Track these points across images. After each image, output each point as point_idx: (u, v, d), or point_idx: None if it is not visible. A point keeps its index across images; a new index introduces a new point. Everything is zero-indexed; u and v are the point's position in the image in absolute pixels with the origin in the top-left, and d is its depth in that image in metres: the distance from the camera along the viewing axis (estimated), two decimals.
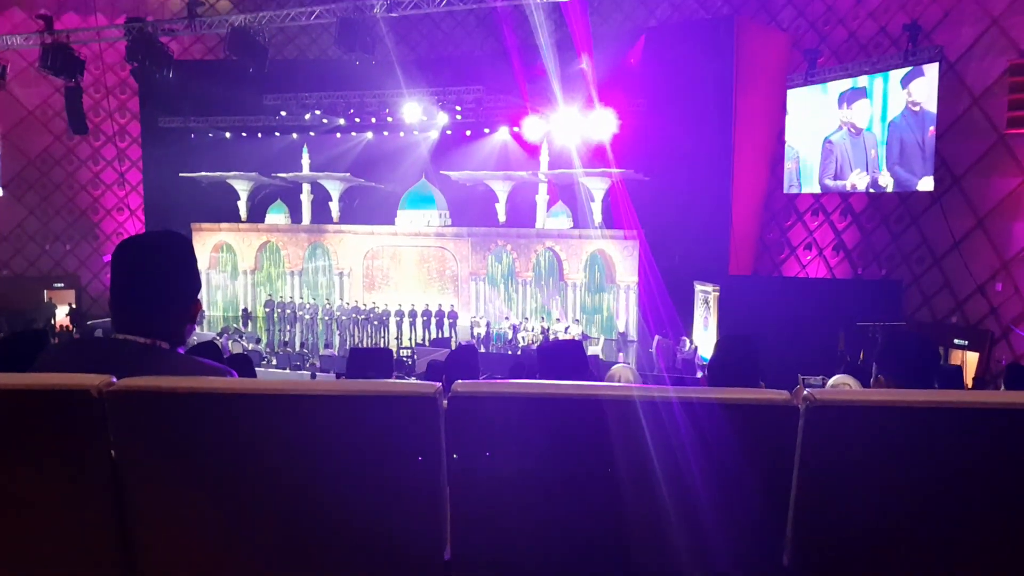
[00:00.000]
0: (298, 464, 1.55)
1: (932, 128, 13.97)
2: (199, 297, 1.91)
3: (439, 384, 1.53)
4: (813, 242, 18.16)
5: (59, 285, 23.82)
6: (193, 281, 1.87)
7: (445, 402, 1.51)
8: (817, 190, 16.93)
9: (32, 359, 2.77)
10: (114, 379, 1.54)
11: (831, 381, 3.78)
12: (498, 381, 1.53)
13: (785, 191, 17.71)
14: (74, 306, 23.19)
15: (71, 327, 22.01)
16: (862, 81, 15.50)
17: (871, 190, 15.63)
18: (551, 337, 19.02)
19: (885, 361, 2.62)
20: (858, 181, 15.69)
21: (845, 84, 15.86)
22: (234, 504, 1.55)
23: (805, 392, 1.44)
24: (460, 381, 1.54)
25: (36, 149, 23.23)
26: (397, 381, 1.55)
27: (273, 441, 1.54)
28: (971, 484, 1.40)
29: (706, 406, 1.46)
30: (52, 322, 22.23)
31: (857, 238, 17.17)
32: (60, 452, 1.57)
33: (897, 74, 14.63)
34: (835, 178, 16.30)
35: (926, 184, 14.27)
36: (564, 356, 2.91)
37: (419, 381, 1.57)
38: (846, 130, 15.93)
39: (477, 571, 1.60)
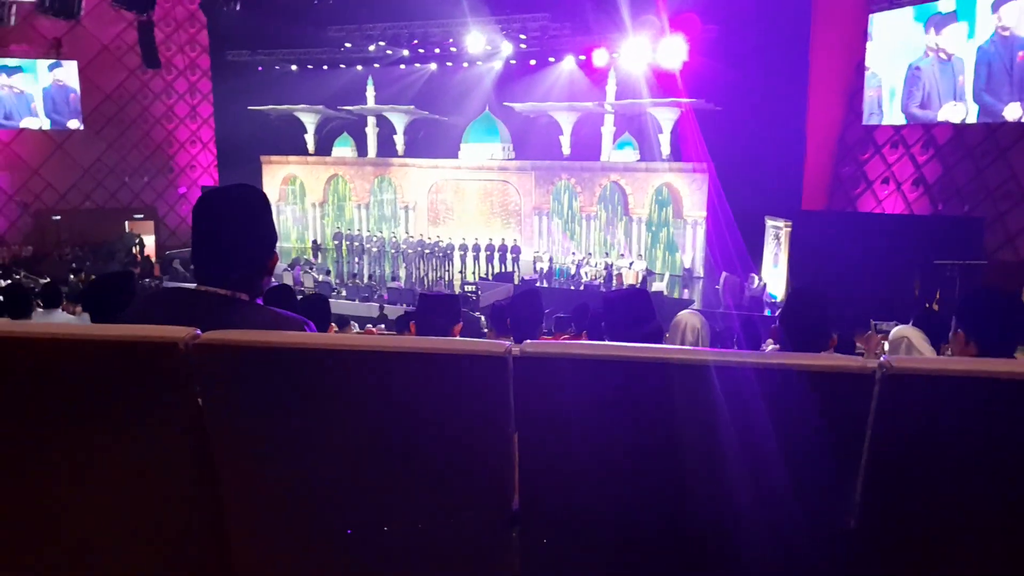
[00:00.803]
0: (372, 417, 1.60)
1: (1021, 53, 13.05)
2: (275, 250, 1.96)
3: (508, 343, 1.55)
4: (891, 176, 17.41)
5: (139, 216, 24.75)
6: (270, 235, 1.92)
7: (512, 358, 1.53)
8: (900, 120, 16.08)
9: (120, 299, 2.92)
10: (199, 332, 1.61)
11: (892, 334, 3.65)
12: (566, 342, 1.55)
13: (864, 121, 16.88)
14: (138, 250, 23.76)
15: (151, 257, 22.93)
16: (950, 4, 14.50)
17: (964, 120, 14.71)
18: (614, 272, 18.93)
19: (966, 316, 2.52)
20: (950, 114, 14.79)
21: (933, 8, 14.86)
22: (312, 455, 1.63)
23: (882, 359, 1.41)
24: (529, 341, 1.56)
25: (112, 84, 23.82)
26: (468, 340, 1.58)
27: (348, 395, 1.60)
28: None
29: (776, 371, 1.44)
30: (133, 252, 23.19)
31: (938, 172, 16.37)
32: (149, 401, 1.66)
33: None
34: (921, 107, 15.44)
35: (1013, 111, 13.40)
36: (630, 305, 2.90)
37: (488, 340, 1.59)
38: (934, 57, 15.01)
39: (543, 521, 1.65)
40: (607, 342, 1.56)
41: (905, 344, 3.25)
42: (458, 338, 2.36)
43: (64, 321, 5.62)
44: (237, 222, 1.86)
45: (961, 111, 14.59)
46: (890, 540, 1.49)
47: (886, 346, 5.22)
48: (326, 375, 1.60)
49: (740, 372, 1.43)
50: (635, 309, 2.89)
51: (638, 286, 17.98)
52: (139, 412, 1.65)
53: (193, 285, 1.90)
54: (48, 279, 15.41)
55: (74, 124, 22.87)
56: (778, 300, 16.04)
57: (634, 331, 2.71)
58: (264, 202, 1.92)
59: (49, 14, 17.22)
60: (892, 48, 15.91)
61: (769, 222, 17.21)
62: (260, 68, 23.41)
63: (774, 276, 16.92)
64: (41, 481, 1.74)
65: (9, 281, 13.64)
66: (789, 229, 16.29)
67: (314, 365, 1.60)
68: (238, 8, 16.59)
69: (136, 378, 1.64)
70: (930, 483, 1.43)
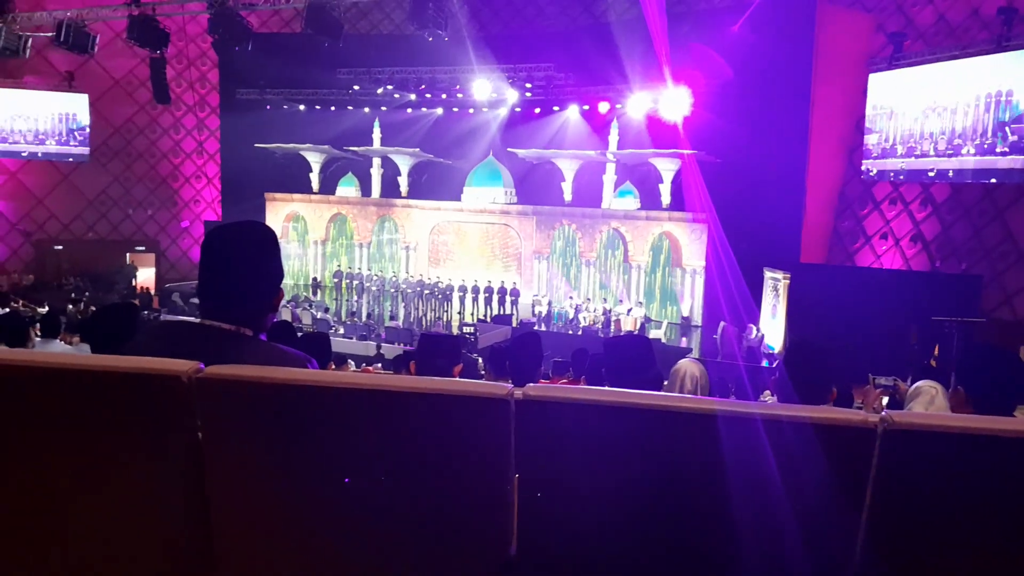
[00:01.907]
0: (372, 456, 1.60)
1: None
2: (281, 287, 1.98)
3: (510, 386, 1.55)
4: (889, 232, 17.54)
5: (140, 249, 24.85)
6: (277, 272, 1.93)
7: (515, 400, 1.54)
8: (900, 165, 15.94)
9: (121, 331, 2.92)
10: (202, 366, 1.62)
11: (915, 385, 3.63)
12: (570, 386, 1.55)
13: (864, 168, 16.87)
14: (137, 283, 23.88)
15: (150, 290, 22.93)
16: (953, 66, 14.73)
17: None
18: (612, 318, 18.94)
19: (965, 373, 2.53)
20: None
21: (933, 69, 15.10)
22: (309, 493, 1.62)
23: (883, 413, 1.41)
24: (532, 384, 1.56)
25: (121, 118, 24.14)
26: (470, 382, 1.58)
27: (348, 433, 1.59)
28: None
29: (780, 423, 1.44)
30: (133, 283, 23.21)
31: (936, 229, 16.50)
32: (150, 433, 1.66)
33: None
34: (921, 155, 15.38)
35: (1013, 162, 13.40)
36: (632, 352, 2.91)
37: (491, 382, 1.59)
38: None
39: (541, 568, 1.63)
40: (610, 388, 1.56)
41: (930, 395, 3.23)
42: (460, 379, 2.36)
43: (62, 351, 5.60)
44: (245, 258, 1.88)
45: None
46: None
47: (884, 400, 5.21)
48: (327, 413, 1.60)
49: (744, 422, 1.43)
50: (636, 356, 2.90)
51: (636, 333, 17.98)
52: (139, 444, 1.64)
53: (196, 319, 1.91)
54: (47, 308, 15.38)
55: (81, 156, 23.09)
56: (775, 351, 16.03)
57: (635, 377, 2.72)
58: (272, 239, 1.94)
59: (64, 47, 17.51)
60: (892, 106, 16.11)
61: (768, 274, 17.28)
62: (268, 107, 23.74)
63: (772, 327, 16.93)
64: (38, 509, 1.72)
65: (7, 310, 13.64)
66: (787, 281, 16.35)
67: (315, 402, 1.60)
68: (249, 48, 16.87)
69: (138, 410, 1.64)
70: (931, 539, 1.42)
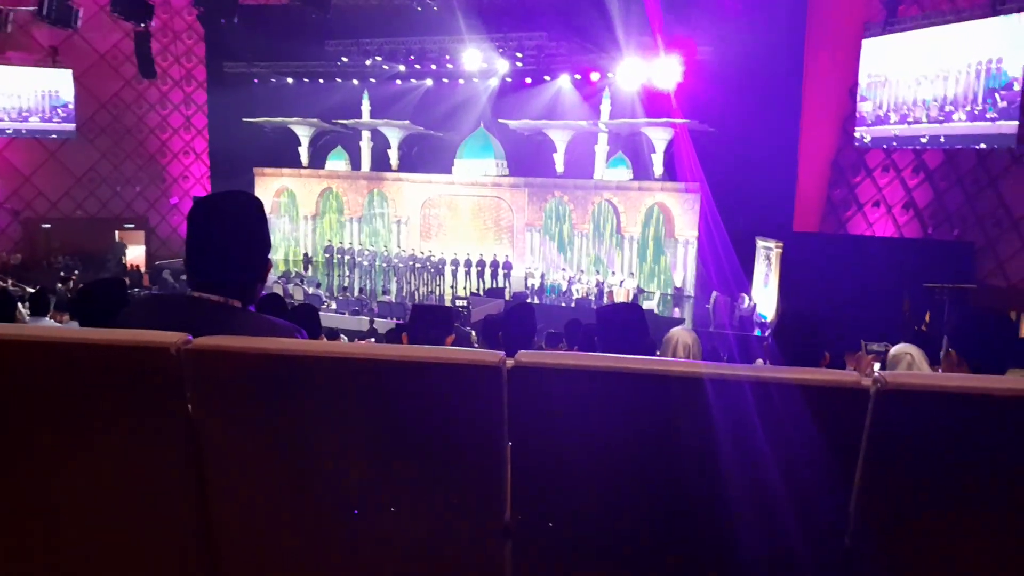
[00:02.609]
0: (364, 425, 1.59)
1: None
2: (269, 257, 1.95)
3: (502, 353, 1.54)
4: (882, 199, 17.53)
5: (129, 226, 24.65)
6: (265, 242, 1.91)
7: (507, 368, 1.53)
8: (894, 132, 15.88)
9: (110, 308, 2.89)
10: (190, 337, 1.60)
11: (893, 350, 3.67)
12: (562, 352, 1.54)
13: (858, 136, 16.82)
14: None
15: (140, 268, 22.82)
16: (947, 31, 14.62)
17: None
18: (605, 290, 18.95)
19: (958, 336, 2.53)
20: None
21: (927, 34, 14.99)
22: (302, 463, 1.61)
23: (876, 374, 1.41)
24: (524, 352, 1.55)
25: (107, 93, 23.80)
26: (463, 349, 1.57)
27: (340, 403, 1.58)
28: None
29: (772, 385, 1.44)
30: (123, 261, 23.07)
31: (929, 196, 16.50)
32: (139, 406, 1.64)
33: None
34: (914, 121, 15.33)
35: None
36: (624, 319, 2.90)
37: (483, 350, 1.58)
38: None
39: (536, 533, 1.63)
40: (602, 354, 1.56)
41: (907, 360, 3.26)
42: (452, 347, 2.36)
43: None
44: (232, 228, 1.85)
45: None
46: (885, 557, 1.49)
47: (876, 367, 5.23)
48: (318, 383, 1.59)
49: (737, 386, 1.42)
50: (629, 324, 2.89)
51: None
52: (129, 416, 1.63)
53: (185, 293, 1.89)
54: (37, 287, 15.30)
55: (67, 132, 22.82)
56: (768, 320, 16.09)
57: (628, 346, 2.71)
58: (259, 209, 1.91)
59: (47, 22, 17.23)
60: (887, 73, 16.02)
61: (760, 243, 17.29)
62: (256, 80, 23.46)
63: (764, 296, 16.98)
64: (29, 482, 1.71)
65: None
66: (780, 250, 16.37)
67: (306, 372, 1.59)
68: (236, 20, 16.63)
69: (127, 383, 1.62)
70: (925, 499, 1.42)
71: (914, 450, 1.40)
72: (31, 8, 17.84)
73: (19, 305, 6.06)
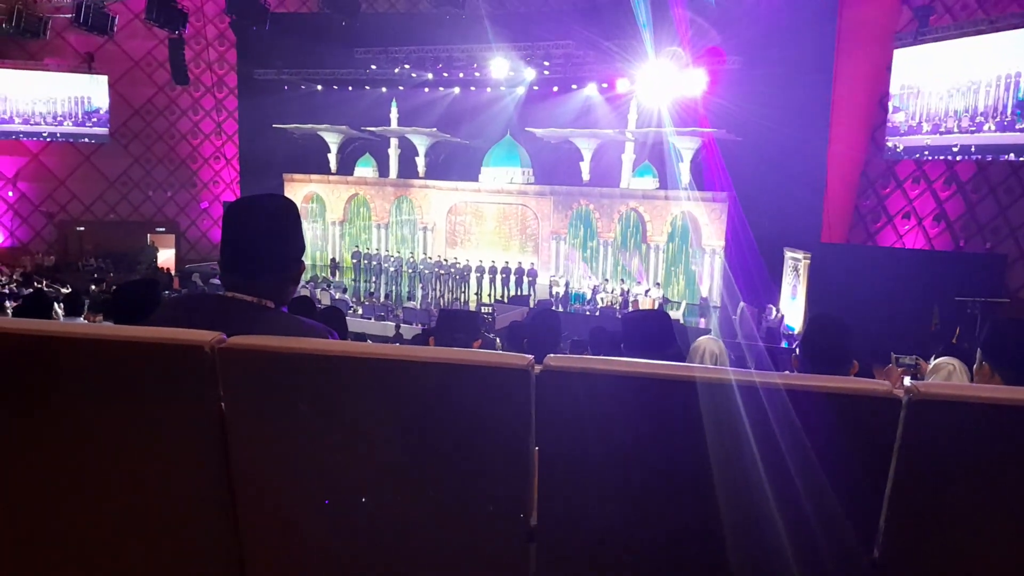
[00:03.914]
0: (393, 426, 1.60)
1: None
2: (303, 259, 1.98)
3: (531, 357, 1.55)
4: (912, 211, 17.30)
5: (161, 230, 25.04)
6: (298, 244, 1.94)
7: (535, 372, 1.53)
8: (926, 141, 15.69)
9: (144, 307, 2.94)
10: (224, 336, 1.63)
11: (936, 361, 3.61)
12: (589, 357, 1.54)
13: (890, 145, 16.60)
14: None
15: (170, 270, 23.15)
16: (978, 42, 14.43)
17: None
18: (631, 299, 18.88)
19: (992, 348, 2.49)
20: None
21: (958, 45, 14.80)
22: (331, 462, 1.63)
23: (908, 383, 1.40)
24: (552, 355, 1.56)
25: (141, 99, 24.25)
26: (491, 352, 1.58)
27: (370, 403, 1.60)
28: None
29: (801, 393, 1.43)
30: (154, 264, 23.43)
31: (960, 208, 16.25)
32: (172, 403, 1.67)
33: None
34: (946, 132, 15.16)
35: None
36: (651, 327, 2.89)
37: (512, 352, 1.59)
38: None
39: (561, 538, 1.63)
40: (629, 359, 1.56)
41: (947, 370, 3.21)
42: (481, 350, 2.37)
43: None
44: (267, 230, 1.88)
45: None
46: (916, 572, 1.47)
47: (906, 380, 5.16)
48: (349, 383, 1.60)
49: (766, 393, 1.42)
50: (656, 331, 2.88)
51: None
52: (163, 414, 1.66)
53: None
54: (70, 288, 15.58)
55: (100, 137, 23.25)
56: (795, 332, 15.92)
57: (654, 353, 2.70)
58: (294, 212, 1.94)
59: (84, 28, 17.60)
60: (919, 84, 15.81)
61: (788, 254, 17.13)
62: (286, 87, 23.74)
63: (792, 308, 16.81)
64: (64, 477, 1.75)
65: (31, 290, 13.82)
66: (808, 261, 16.20)
67: (337, 372, 1.61)
68: (267, 28, 16.88)
69: (161, 380, 1.65)
70: (957, 512, 1.41)
71: (947, 462, 1.38)
72: (68, 16, 18.24)
73: (55, 305, 6.19)
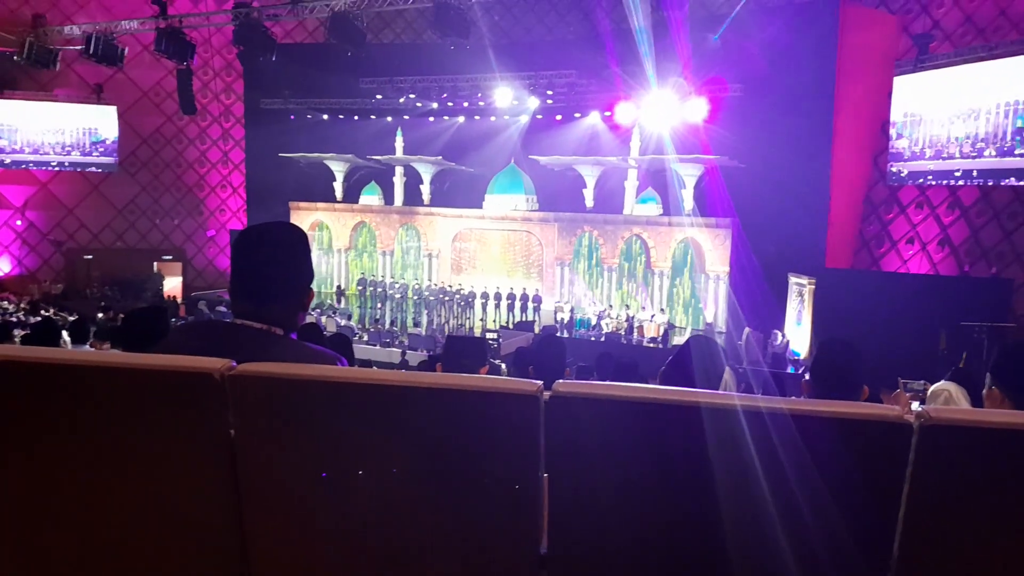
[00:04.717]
0: (402, 453, 1.60)
1: None
2: (311, 287, 1.99)
3: (540, 383, 1.55)
4: (916, 236, 17.30)
5: (167, 257, 25.16)
6: (307, 272, 1.95)
7: (544, 398, 1.53)
8: (929, 166, 15.75)
9: (152, 334, 2.96)
10: (234, 363, 1.63)
11: (933, 388, 3.60)
12: (598, 383, 1.54)
13: (894, 170, 16.64)
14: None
15: (177, 298, 23.22)
16: (978, 69, 14.55)
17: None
18: (635, 324, 18.85)
19: (1001, 371, 2.48)
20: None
21: (958, 72, 14.91)
22: (340, 489, 1.62)
23: (919, 408, 1.39)
24: (561, 381, 1.56)
25: (149, 128, 24.52)
26: (500, 378, 1.58)
27: (379, 430, 1.60)
28: None
29: (810, 419, 1.43)
30: (160, 291, 23.51)
31: (964, 233, 16.25)
32: (182, 430, 1.68)
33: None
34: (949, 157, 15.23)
35: None
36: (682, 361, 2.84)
37: (520, 379, 1.59)
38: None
39: (572, 565, 1.62)
40: (638, 384, 1.56)
41: (944, 396, 3.20)
42: (489, 376, 2.37)
43: None
44: (276, 258, 1.90)
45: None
46: None
47: (915, 405, 5.13)
48: (358, 409, 1.61)
49: (776, 419, 1.41)
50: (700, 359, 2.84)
51: (659, 339, 17.90)
52: (173, 439, 1.66)
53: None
54: (77, 316, 15.63)
55: (107, 166, 23.46)
56: (801, 358, 15.86)
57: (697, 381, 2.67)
58: (303, 239, 1.96)
59: (94, 60, 17.83)
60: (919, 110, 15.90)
61: (792, 279, 17.11)
62: (292, 116, 23.96)
63: (797, 334, 16.76)
64: (73, 504, 1.75)
65: (38, 318, 13.86)
66: (813, 287, 16.19)
67: (346, 399, 1.61)
68: (274, 58, 17.09)
69: (171, 406, 1.66)
70: (971, 538, 1.39)
71: (959, 488, 1.38)
72: (78, 48, 18.50)
73: (63, 333, 6.21)
